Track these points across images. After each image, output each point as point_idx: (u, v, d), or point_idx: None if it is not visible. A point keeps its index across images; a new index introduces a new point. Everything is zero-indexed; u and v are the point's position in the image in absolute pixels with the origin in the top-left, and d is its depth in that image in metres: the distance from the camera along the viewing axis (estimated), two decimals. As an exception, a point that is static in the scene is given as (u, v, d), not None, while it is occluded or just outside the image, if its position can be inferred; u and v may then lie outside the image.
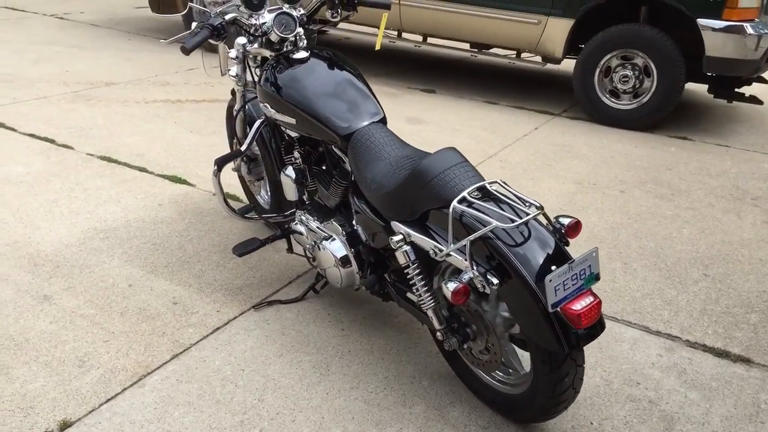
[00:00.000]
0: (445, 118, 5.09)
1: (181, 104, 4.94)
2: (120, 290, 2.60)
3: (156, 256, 2.86)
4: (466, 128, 4.88)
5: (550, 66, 6.63)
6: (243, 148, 2.65)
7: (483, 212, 1.75)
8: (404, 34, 6.02)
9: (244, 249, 2.53)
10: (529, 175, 4.05)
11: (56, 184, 3.49)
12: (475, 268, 1.74)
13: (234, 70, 2.62)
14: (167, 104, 4.95)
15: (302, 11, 2.49)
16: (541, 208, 1.74)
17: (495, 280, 1.72)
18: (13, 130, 4.20)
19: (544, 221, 1.92)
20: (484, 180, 1.88)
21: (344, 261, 2.30)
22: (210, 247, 2.96)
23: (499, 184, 1.87)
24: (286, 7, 2.44)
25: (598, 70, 5.12)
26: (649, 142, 4.82)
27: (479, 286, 1.74)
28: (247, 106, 2.79)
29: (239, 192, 3.48)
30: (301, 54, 2.35)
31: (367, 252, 2.27)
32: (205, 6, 2.59)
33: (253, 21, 2.40)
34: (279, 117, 2.32)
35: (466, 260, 1.75)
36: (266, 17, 2.41)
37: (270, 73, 2.35)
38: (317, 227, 2.43)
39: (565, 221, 1.82)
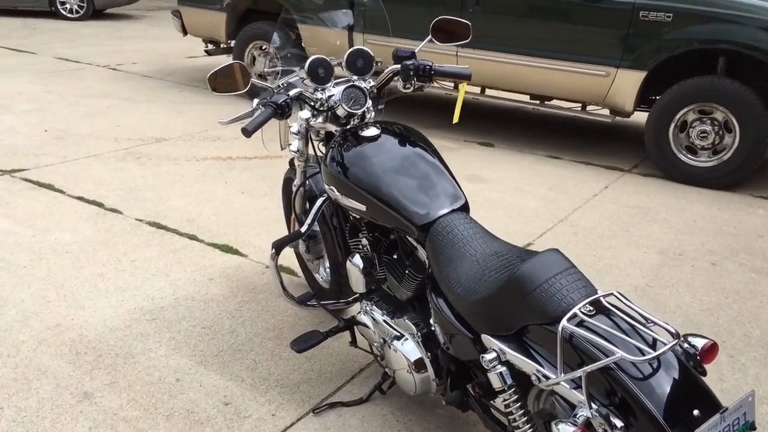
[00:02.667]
0: (507, 175, 4.80)
1: (232, 162, 4.77)
2: (167, 386, 2.35)
3: (206, 343, 2.61)
4: (530, 187, 4.58)
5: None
6: (303, 229, 2.40)
7: (601, 335, 1.44)
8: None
9: (303, 344, 2.26)
10: (605, 243, 3.72)
11: (103, 254, 3.30)
12: (593, 405, 1.43)
13: (295, 144, 2.39)
14: (218, 162, 4.78)
15: (372, 83, 2.26)
16: (677, 335, 1.42)
17: (619, 423, 1.40)
18: (62, 192, 4.07)
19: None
20: (597, 291, 1.58)
21: (419, 365, 2.01)
22: (264, 331, 2.71)
23: (616, 296, 1.57)
24: (355, 80, 2.21)
25: (672, 124, 4.78)
26: (733, 203, 4.44)
27: (599, 431, 1.42)
28: (307, 182, 2.56)
29: (294, 263, 3.23)
30: (371, 131, 2.10)
31: (447, 359, 1.97)
32: (266, 81, 2.38)
33: (319, 95, 2.17)
34: (346, 202, 2.07)
35: (581, 395, 1.44)
36: (333, 90, 2.18)
37: (336, 152, 2.11)
38: (386, 322, 2.15)
39: (699, 343, 1.50)
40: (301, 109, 2.17)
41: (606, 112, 5.27)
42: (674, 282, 3.28)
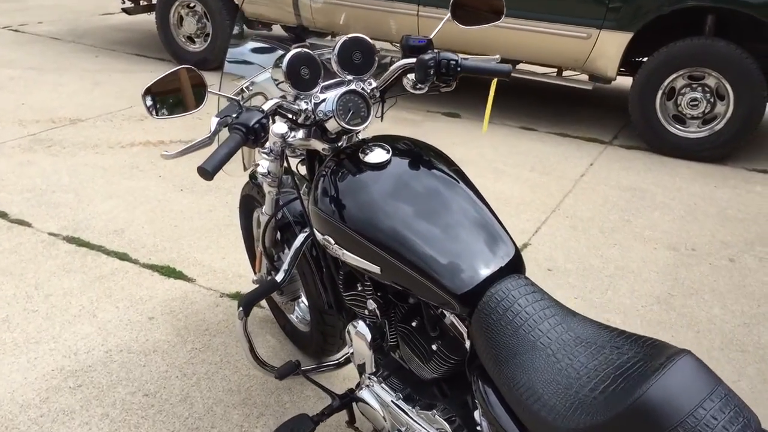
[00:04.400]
0: (481, 153, 4.27)
1: (166, 147, 4.04)
2: (103, 496, 1.75)
3: (151, 421, 2.00)
4: (509, 167, 4.06)
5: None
6: (279, 278, 1.81)
7: None
8: (421, 49, 5.18)
9: None
10: (609, 238, 3.25)
11: (8, 288, 2.60)
12: None
13: (265, 165, 1.77)
14: (148, 149, 4.05)
15: (373, 84, 1.65)
16: None
17: None
18: (-47, 199, 3.29)
19: None
20: (757, 420, 1.07)
21: None
22: (226, 395, 2.12)
23: None
24: (351, 83, 1.60)
25: (660, 92, 4.32)
26: (728, 179, 4.05)
27: None
28: (284, 210, 1.95)
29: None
30: (377, 154, 1.50)
31: None
32: (239, 94, 1.73)
33: (303, 105, 1.55)
34: (351, 260, 1.48)
35: None
36: (322, 97, 1.57)
37: (330, 186, 1.51)
38: (402, 408, 1.60)
39: None
40: (274, 122, 1.55)
41: (585, 78, 4.77)
42: (697, 288, 2.85)
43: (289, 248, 1.92)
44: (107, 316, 2.47)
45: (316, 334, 2.10)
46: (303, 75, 1.54)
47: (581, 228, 3.35)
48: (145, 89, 1.36)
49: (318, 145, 1.62)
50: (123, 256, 2.86)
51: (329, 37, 5.49)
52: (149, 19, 6.55)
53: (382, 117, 1.74)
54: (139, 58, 6.07)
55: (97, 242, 2.96)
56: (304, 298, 2.22)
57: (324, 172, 1.54)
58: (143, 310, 2.52)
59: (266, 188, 1.85)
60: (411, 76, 1.66)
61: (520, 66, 4.95)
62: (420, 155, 1.56)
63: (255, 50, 1.86)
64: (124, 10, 6.28)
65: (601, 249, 3.16)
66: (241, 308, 1.79)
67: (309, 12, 5.24)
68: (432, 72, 1.61)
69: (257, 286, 1.84)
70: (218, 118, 1.41)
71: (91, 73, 5.54)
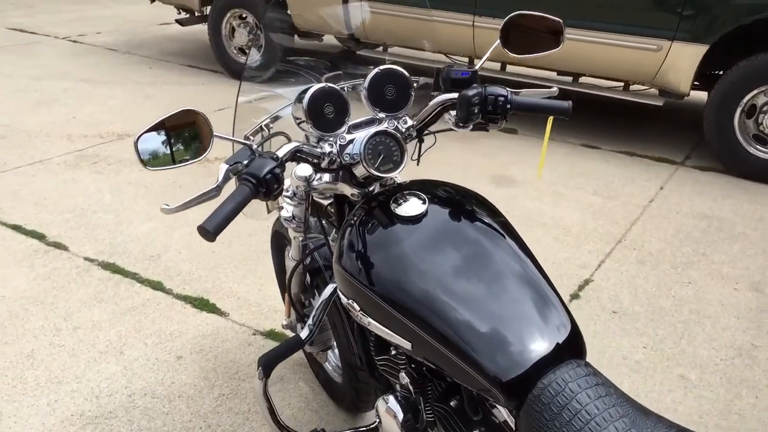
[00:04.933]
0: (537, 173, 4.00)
1: (210, 165, 3.93)
2: None
3: (170, 478, 1.84)
4: (570, 190, 3.78)
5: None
6: (303, 335, 1.61)
7: None
8: (478, 61, 4.93)
9: None
10: (682, 275, 2.95)
11: (37, 320, 2.50)
12: None
13: (288, 210, 1.58)
14: (192, 166, 3.93)
15: (409, 122, 1.44)
16: None
17: None
18: (-7, 219, 3.23)
19: None
20: None
21: None
22: (253, 450, 1.94)
23: None
24: (383, 122, 1.40)
25: (739, 109, 3.97)
26: (818, 207, 3.66)
27: None
28: (313, 254, 1.75)
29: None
30: (412, 205, 1.29)
31: None
32: (256, 133, 1.54)
33: (326, 148, 1.36)
34: (379, 330, 1.27)
35: None
36: (348, 137, 1.37)
37: (355, 241, 1.30)
38: None
39: None
40: (298, 163, 1.36)
41: (655, 92, 4.44)
42: (786, 338, 2.53)
43: (320, 294, 1.73)
44: (134, 353, 2.33)
45: (349, 390, 1.90)
46: (327, 114, 1.34)
47: (650, 262, 3.05)
48: (139, 135, 1.19)
49: (347, 190, 1.41)
50: (157, 285, 2.72)
51: (380, 48, 5.30)
52: (205, 29, 6.51)
53: (418, 160, 1.53)
54: (192, 70, 6.01)
55: (132, 269, 2.83)
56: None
57: (350, 224, 1.34)
58: (172, 347, 2.36)
59: (291, 233, 1.66)
60: (453, 112, 1.45)
61: (584, 79, 4.66)
62: (461, 207, 1.33)
63: (277, 79, 1.67)
64: (178, 21, 6.25)
65: (673, 288, 2.85)
66: (260, 368, 1.60)
67: (360, 23, 5.06)
68: (477, 110, 1.38)
69: (279, 344, 1.65)
70: (227, 165, 1.23)
71: (142, 85, 5.51)
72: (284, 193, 1.54)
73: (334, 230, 1.65)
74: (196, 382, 2.21)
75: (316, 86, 1.34)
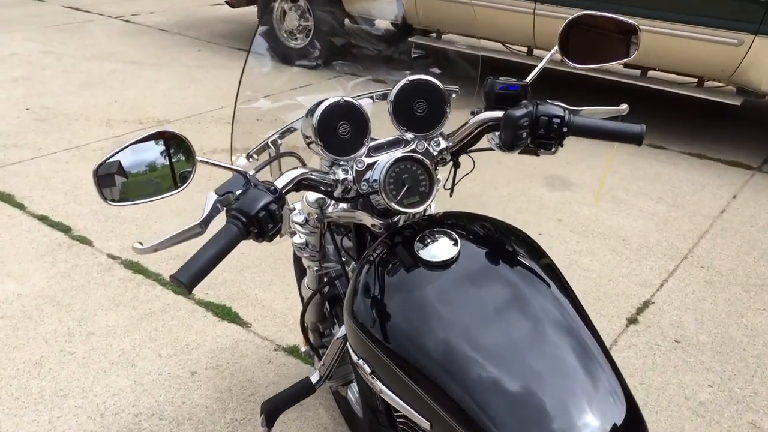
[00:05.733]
0: (598, 176, 3.69)
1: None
2: None
3: None
4: (632, 197, 3.46)
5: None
6: (314, 379, 1.42)
7: None
8: (537, 51, 4.62)
9: None
10: (756, 300, 2.62)
11: (51, 322, 2.37)
12: None
13: (301, 238, 1.37)
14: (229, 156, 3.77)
15: (442, 143, 1.21)
16: None
17: None
18: (22, 207, 3.13)
19: None
20: None
21: None
22: (261, 489, 1.75)
23: None
24: (411, 143, 1.17)
25: (829, 112, 3.56)
26: None
27: None
28: (334, 283, 1.54)
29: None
30: (441, 246, 1.06)
31: None
32: (261, 151, 1.33)
33: (340, 174, 1.13)
34: (393, 401, 1.05)
35: None
36: (368, 161, 1.14)
37: (372, 287, 1.08)
38: None
39: None
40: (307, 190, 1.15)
41: (732, 90, 4.05)
42: None
43: (339, 324, 1.53)
44: (147, 366, 2.17)
45: (368, 425, 1.69)
46: (342, 134, 1.12)
47: (720, 284, 2.73)
48: (99, 164, 0.98)
49: (366, 220, 1.19)
50: (179, 289, 2.57)
51: (434, 34, 5.03)
52: (252, 17, 6.37)
53: (452, 189, 1.29)
54: (241, 53, 5.86)
55: (156, 269, 2.69)
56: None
57: (366, 265, 1.12)
58: (187, 361, 2.20)
59: (305, 262, 1.45)
60: (498, 132, 1.20)
61: (653, 74, 4.29)
62: (499, 250, 1.10)
63: (296, 81, 1.45)
64: (228, 3, 6.09)
65: (745, 315, 2.54)
66: (263, 415, 1.40)
67: (414, 7, 4.80)
68: (525, 134, 1.14)
69: (286, 388, 1.45)
70: (216, 196, 1.02)
71: (189, 68, 5.38)
72: (295, 219, 1.33)
73: (353, 262, 1.43)
74: (208, 403, 2.04)
75: (331, 100, 1.11)
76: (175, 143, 1.00)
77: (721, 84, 4.05)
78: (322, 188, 1.13)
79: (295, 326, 2.38)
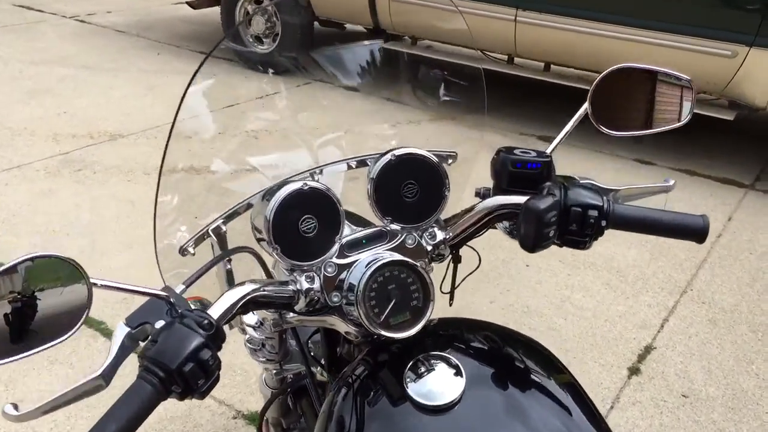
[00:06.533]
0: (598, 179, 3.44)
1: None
2: None
3: None
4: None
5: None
6: None
7: None
8: (518, 60, 4.36)
9: None
10: (764, 342, 2.41)
11: (-27, 385, 2.05)
12: None
13: (254, 336, 1.09)
14: (189, 177, 3.45)
15: (440, 234, 0.93)
16: None
17: None
18: (-51, 241, 2.79)
19: None
20: None
21: None
22: None
23: None
24: (399, 237, 0.89)
25: (827, 129, 3.37)
26: None
27: None
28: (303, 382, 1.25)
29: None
30: (442, 383, 0.79)
31: None
32: (187, 251, 1.01)
33: (304, 284, 0.85)
34: None
35: None
36: (341, 261, 0.86)
37: (347, 418, 0.81)
38: None
39: None
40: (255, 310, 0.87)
41: (724, 104, 3.84)
42: None
43: (306, 420, 1.25)
44: (83, 442, 1.87)
45: None
46: (305, 231, 0.84)
47: (724, 323, 2.51)
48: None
49: (340, 326, 0.91)
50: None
51: (407, 38, 4.74)
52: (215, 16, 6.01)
53: (452, 293, 1.02)
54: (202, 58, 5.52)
55: (99, 316, 2.37)
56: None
57: (344, 390, 0.84)
58: (131, 435, 1.90)
59: (261, 366, 1.17)
60: (513, 222, 0.94)
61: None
62: (519, 380, 0.83)
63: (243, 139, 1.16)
64: (189, 4, 5.74)
65: (755, 361, 2.32)
66: None
67: (387, 13, 4.51)
68: (552, 232, 0.87)
69: None
70: (128, 329, 0.73)
71: (147, 74, 5.03)
72: (246, 320, 1.05)
73: (320, 367, 1.15)
74: (154, 490, 1.74)
75: (291, 186, 0.83)
76: (59, 268, 0.71)
77: (712, 97, 3.84)
78: (280, 303, 0.85)
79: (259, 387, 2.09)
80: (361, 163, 1.07)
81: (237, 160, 1.24)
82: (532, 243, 0.86)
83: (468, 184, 1.15)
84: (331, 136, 1.24)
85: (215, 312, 0.75)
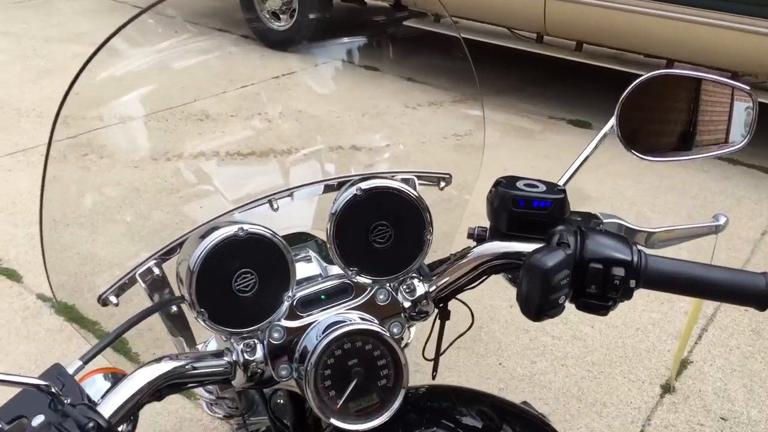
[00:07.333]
0: (617, 186, 3.21)
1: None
2: None
3: None
4: (657, 214, 3.01)
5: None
6: None
7: None
8: (548, 38, 4.10)
9: None
10: (815, 360, 2.18)
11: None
12: None
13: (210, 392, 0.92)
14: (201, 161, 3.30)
15: (421, 287, 0.74)
16: None
17: None
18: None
19: None
20: None
21: None
22: None
23: None
24: (368, 293, 0.71)
25: None
26: None
27: None
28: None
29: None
30: None
31: None
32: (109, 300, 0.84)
33: (241, 355, 0.68)
34: None
35: None
36: (290, 324, 0.69)
37: None
38: None
39: None
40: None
41: (770, 87, 3.56)
42: None
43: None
44: None
45: None
46: (242, 290, 0.66)
47: (769, 335, 2.29)
48: None
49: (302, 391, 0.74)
50: (120, 347, 2.12)
51: (431, 16, 4.50)
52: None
53: (436, 362, 0.83)
54: (221, 36, 5.34)
55: (94, 315, 2.23)
56: None
57: None
58: None
59: (222, 421, 1.00)
60: (512, 275, 0.75)
61: (679, 66, 3.79)
62: None
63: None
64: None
65: (806, 383, 2.10)
66: None
67: (409, -13, 4.28)
68: (563, 298, 0.68)
69: None
70: (1, 425, 0.57)
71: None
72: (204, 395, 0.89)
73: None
74: None
75: (221, 232, 0.66)
76: None
77: (756, 79, 3.56)
78: (212, 380, 0.68)
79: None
80: (330, 187, 0.89)
81: (186, 174, 1.07)
82: (536, 310, 0.67)
83: (468, 210, 0.96)
84: (312, 148, 1.06)
85: (108, 407, 0.58)
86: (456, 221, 0.95)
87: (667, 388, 2.05)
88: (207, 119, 3.61)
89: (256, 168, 1.11)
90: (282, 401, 0.95)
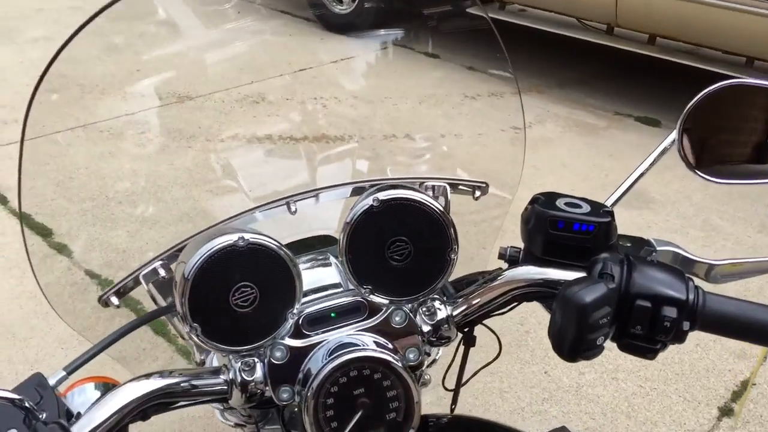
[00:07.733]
0: (685, 191, 3.04)
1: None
2: None
3: None
4: (726, 222, 2.83)
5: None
6: None
7: None
8: (618, 30, 3.92)
9: None
10: None
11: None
12: None
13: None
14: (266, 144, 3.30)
15: (444, 310, 0.67)
16: None
17: None
18: (4, 201, 2.75)
19: None
20: None
21: None
22: None
23: None
24: (381, 314, 0.64)
25: None
26: None
27: None
28: None
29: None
30: None
31: None
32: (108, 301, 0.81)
33: (238, 374, 0.64)
34: None
35: None
36: (295, 344, 0.63)
37: None
38: None
39: None
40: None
41: None
42: None
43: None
44: None
45: None
46: (240, 304, 0.60)
47: (843, 361, 2.12)
48: None
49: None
50: (160, 328, 2.12)
51: (496, 3, 4.36)
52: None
53: (456, 393, 0.76)
54: (282, 18, 5.33)
55: (138, 295, 2.25)
56: None
57: None
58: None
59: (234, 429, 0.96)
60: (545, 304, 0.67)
61: (760, 64, 3.56)
62: None
63: None
64: (272, -41, 5.54)
65: None
66: None
67: (476, -26, 4.14)
68: (601, 339, 0.59)
69: None
70: None
71: (233, 32, 4.88)
72: None
73: None
74: None
75: (220, 241, 0.60)
76: None
77: None
78: (206, 399, 0.63)
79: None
80: (357, 191, 0.82)
81: (219, 164, 1.02)
82: (569, 350, 0.59)
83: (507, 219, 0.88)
84: (346, 146, 1.00)
85: (85, 427, 0.53)
86: (493, 236, 0.87)
87: (725, 411, 1.92)
88: (263, 101, 3.59)
89: (292, 162, 1.05)
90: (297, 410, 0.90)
